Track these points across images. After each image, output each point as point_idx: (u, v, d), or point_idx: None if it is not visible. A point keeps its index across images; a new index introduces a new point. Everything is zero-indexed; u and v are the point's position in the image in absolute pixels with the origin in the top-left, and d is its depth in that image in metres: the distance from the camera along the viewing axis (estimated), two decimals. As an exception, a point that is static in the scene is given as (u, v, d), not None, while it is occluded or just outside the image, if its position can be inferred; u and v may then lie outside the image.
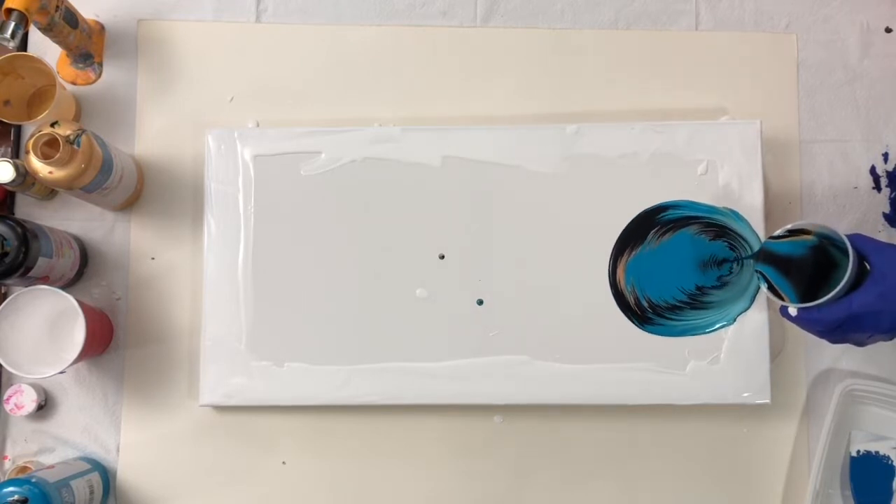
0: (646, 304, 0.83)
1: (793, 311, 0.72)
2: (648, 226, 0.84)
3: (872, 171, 0.89)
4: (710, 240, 0.83)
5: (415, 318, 0.84)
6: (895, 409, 0.84)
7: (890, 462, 0.84)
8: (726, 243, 0.83)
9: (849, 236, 0.70)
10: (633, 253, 0.83)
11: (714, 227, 0.83)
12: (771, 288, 0.75)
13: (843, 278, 0.68)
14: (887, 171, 0.89)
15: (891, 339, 0.70)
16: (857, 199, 0.88)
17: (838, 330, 0.70)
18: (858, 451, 0.84)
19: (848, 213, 0.88)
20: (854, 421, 0.85)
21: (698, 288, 0.82)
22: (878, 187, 0.89)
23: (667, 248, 0.83)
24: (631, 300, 0.83)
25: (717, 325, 0.82)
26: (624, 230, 0.84)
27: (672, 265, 0.83)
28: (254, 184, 0.85)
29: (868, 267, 0.70)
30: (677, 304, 0.82)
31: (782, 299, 0.73)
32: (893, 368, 0.85)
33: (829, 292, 0.69)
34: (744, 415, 0.85)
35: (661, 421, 0.85)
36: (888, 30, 0.91)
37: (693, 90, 0.89)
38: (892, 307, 0.67)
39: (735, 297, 0.82)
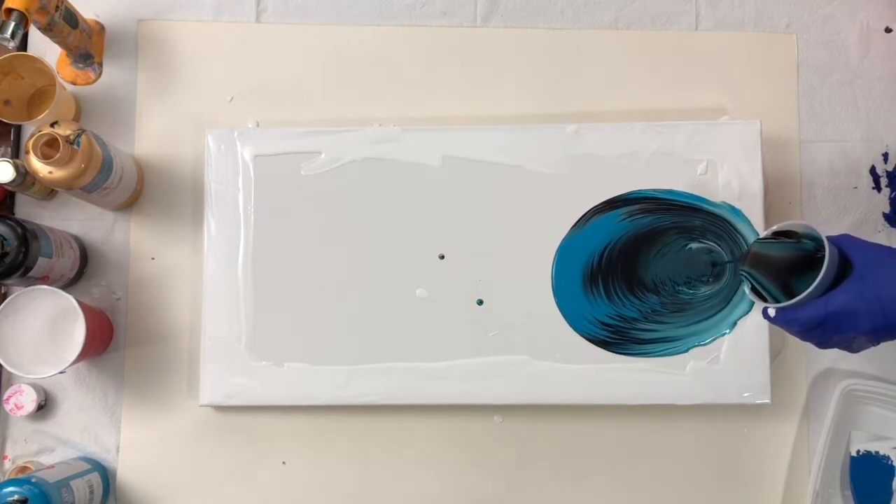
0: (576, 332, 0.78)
1: (772, 311, 0.71)
2: (598, 207, 0.79)
3: (872, 171, 0.89)
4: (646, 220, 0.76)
5: (415, 318, 0.84)
6: (895, 409, 0.84)
7: (890, 462, 0.84)
8: (703, 243, 0.81)
9: (835, 237, 0.69)
10: (564, 238, 0.77)
11: (676, 208, 0.80)
12: (754, 290, 0.74)
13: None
14: (887, 171, 0.89)
15: (876, 342, 0.68)
16: (857, 199, 0.88)
17: (816, 331, 0.68)
18: (858, 451, 0.84)
19: (848, 213, 0.88)
20: (854, 421, 0.85)
21: (614, 319, 0.77)
22: (878, 187, 0.89)
23: (586, 234, 0.77)
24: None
25: (717, 335, 0.82)
26: None
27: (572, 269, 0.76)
28: (254, 184, 0.85)
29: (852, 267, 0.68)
30: (601, 339, 0.77)
31: (765, 301, 0.72)
32: (893, 368, 0.85)
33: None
34: (744, 415, 0.85)
35: (661, 421, 0.85)
36: (888, 30, 0.91)
37: (693, 90, 0.89)
38: (869, 307, 0.65)
39: (714, 324, 0.81)
